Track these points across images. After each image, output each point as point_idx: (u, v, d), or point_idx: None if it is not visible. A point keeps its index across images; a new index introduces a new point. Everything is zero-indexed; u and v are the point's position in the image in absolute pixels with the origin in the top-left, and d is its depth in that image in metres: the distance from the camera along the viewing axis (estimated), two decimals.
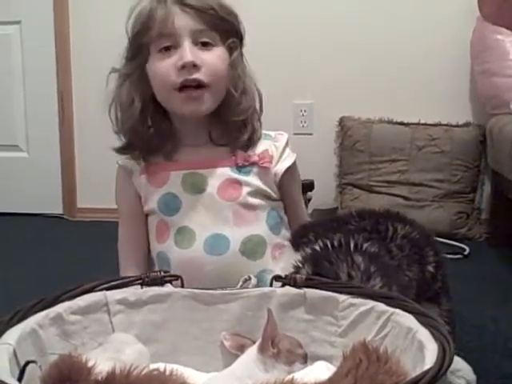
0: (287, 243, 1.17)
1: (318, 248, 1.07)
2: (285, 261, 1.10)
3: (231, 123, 1.19)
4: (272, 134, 1.25)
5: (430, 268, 1.12)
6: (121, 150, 1.23)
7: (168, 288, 1.01)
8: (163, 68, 1.14)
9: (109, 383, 0.69)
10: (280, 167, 1.21)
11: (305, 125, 2.71)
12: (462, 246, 2.30)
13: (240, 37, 1.21)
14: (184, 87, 1.13)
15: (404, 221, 1.15)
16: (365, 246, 1.05)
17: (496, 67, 2.36)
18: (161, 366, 0.78)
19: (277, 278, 1.02)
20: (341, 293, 0.95)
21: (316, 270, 1.02)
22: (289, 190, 1.25)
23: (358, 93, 2.65)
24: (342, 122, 2.64)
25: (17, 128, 2.92)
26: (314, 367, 0.90)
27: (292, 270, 1.05)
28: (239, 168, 1.19)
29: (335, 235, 1.08)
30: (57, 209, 2.94)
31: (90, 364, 0.73)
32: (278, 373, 0.86)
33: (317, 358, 0.94)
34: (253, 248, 1.16)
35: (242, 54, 1.22)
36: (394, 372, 0.71)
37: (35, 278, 1.96)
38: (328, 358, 0.94)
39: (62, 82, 2.84)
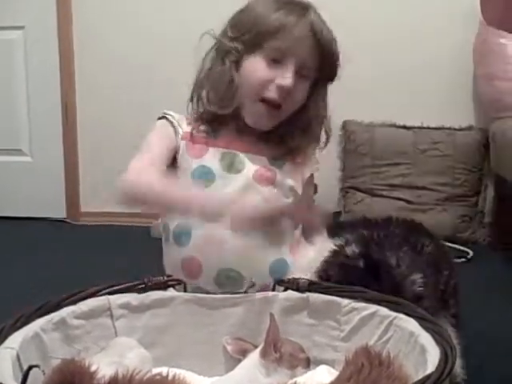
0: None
1: (365, 233, 1.09)
2: (316, 250, 1.12)
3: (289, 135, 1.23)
4: None
5: (442, 286, 1.13)
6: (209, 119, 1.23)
7: (171, 292, 1.02)
8: (262, 74, 1.16)
9: None
10: (309, 169, 1.28)
11: None
12: (466, 249, 2.30)
13: (333, 79, 1.28)
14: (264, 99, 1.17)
15: (428, 236, 1.18)
16: (404, 248, 1.08)
17: (499, 71, 2.36)
18: (163, 370, 0.78)
19: (279, 282, 1.02)
20: (343, 297, 0.95)
21: (364, 251, 1.04)
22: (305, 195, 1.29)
23: (361, 97, 2.64)
24: (344, 126, 2.63)
25: (20, 132, 2.93)
26: (317, 372, 0.90)
27: (328, 253, 1.07)
28: (275, 159, 1.21)
29: (373, 232, 1.11)
30: (60, 213, 2.95)
31: (92, 368, 0.74)
32: (281, 377, 0.86)
33: (319, 362, 0.94)
34: (276, 236, 1.17)
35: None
36: (396, 376, 0.71)
37: (38, 282, 1.96)
38: (330, 363, 0.94)
39: (65, 86, 2.84)
